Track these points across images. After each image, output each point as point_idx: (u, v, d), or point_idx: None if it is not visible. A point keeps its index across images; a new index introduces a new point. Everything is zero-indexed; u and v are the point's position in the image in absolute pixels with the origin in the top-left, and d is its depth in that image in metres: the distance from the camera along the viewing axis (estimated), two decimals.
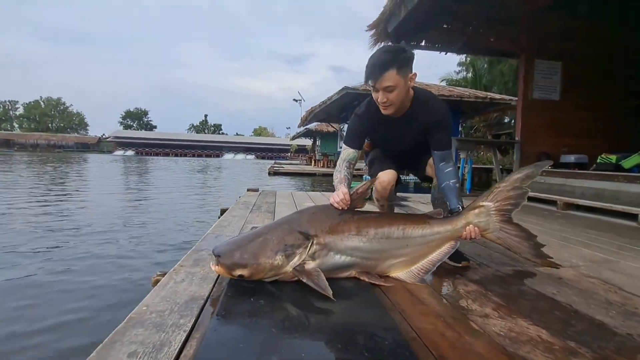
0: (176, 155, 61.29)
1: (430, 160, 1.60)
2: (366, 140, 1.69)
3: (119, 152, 58.41)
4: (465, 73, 21.30)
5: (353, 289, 1.22)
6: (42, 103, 75.24)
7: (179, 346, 0.81)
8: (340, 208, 1.34)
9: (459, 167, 5.61)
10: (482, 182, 7.98)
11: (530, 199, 4.04)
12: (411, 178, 12.90)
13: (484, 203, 1.41)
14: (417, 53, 5.78)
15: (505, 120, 17.52)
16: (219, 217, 4.03)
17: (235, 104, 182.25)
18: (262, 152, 65.03)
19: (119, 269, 2.78)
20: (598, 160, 3.96)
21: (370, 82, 1.39)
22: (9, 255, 3.05)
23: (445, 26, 5.06)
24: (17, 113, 74.96)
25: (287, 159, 49.79)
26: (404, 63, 1.36)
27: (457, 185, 1.48)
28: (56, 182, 10.08)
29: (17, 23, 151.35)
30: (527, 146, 4.74)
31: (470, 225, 1.36)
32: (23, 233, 3.91)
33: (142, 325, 0.90)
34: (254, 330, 0.91)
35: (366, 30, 5.02)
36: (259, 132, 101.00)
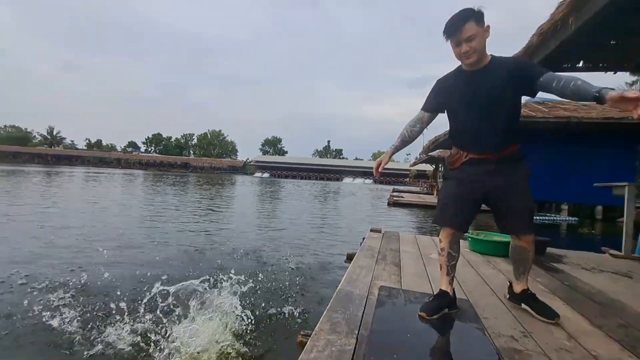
0: (302, 177, 67.76)
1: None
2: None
3: (258, 174, 68.62)
4: None
5: None
6: (208, 135, 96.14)
7: None
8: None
9: None
10: None
11: None
12: (561, 218, 10.44)
13: None
14: None
15: None
16: (345, 261, 4.25)
17: (356, 130, 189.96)
18: (380, 176, 65.06)
19: (260, 320, 2.60)
20: None
21: (452, 39, 1.60)
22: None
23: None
24: (193, 143, 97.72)
25: (405, 185, 48.30)
26: (479, 16, 1.56)
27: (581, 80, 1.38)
28: (211, 204, 12.52)
29: (195, 75, 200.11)
30: None
31: None
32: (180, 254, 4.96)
33: None
34: None
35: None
36: (377, 156, 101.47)
